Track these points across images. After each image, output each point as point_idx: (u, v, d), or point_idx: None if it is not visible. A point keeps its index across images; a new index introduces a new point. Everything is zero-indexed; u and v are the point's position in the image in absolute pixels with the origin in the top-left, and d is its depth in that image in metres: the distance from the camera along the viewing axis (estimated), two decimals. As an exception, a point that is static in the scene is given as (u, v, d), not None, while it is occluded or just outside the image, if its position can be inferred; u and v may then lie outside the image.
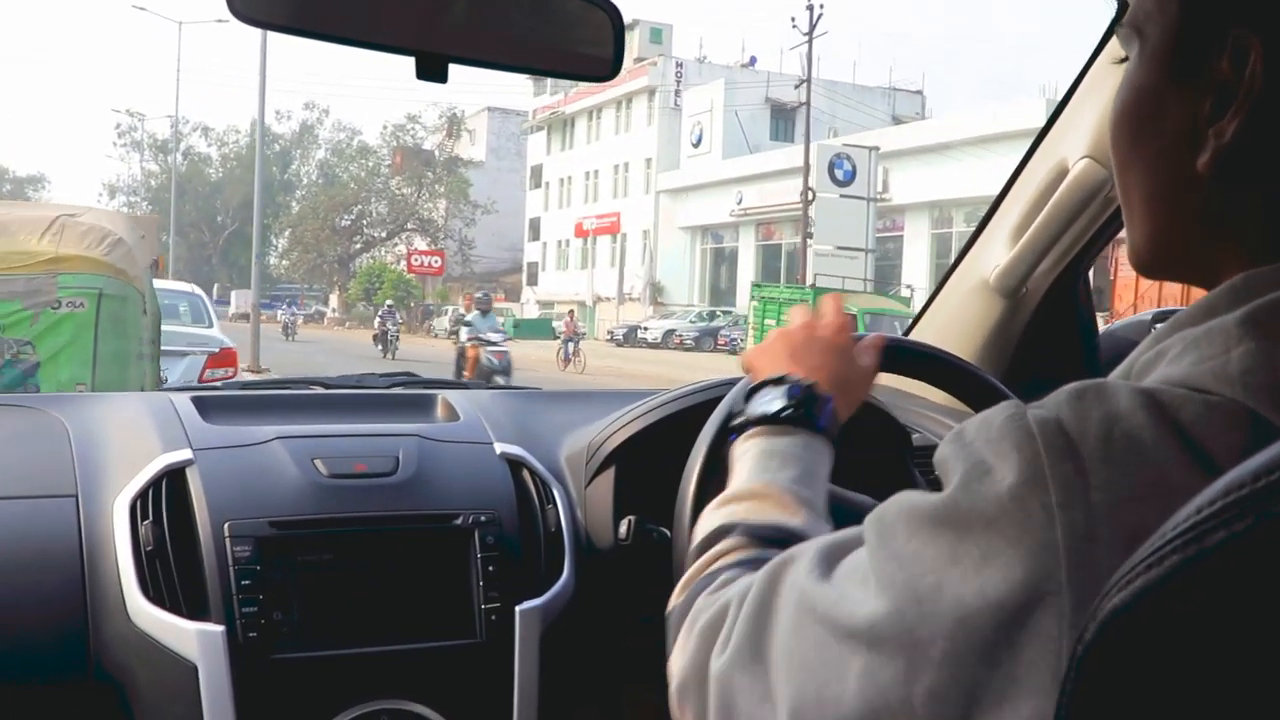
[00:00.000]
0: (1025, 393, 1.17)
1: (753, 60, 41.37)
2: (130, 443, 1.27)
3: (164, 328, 4.94)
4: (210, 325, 7.27)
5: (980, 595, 0.48)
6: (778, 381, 0.80)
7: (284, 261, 46.95)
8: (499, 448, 1.35)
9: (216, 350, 6.80)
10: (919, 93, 41.61)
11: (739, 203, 33.80)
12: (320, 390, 1.62)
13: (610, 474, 1.31)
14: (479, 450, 1.34)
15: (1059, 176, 1.41)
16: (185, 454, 1.22)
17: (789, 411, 0.76)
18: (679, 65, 41.44)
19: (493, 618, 1.23)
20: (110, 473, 1.23)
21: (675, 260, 38.71)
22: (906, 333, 1.67)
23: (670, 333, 30.01)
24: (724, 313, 30.88)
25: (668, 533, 1.05)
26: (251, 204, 56.55)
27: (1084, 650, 0.43)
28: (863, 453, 1.35)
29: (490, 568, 1.23)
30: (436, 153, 45.23)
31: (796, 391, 0.78)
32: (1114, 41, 1.41)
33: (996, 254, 1.52)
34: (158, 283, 5.80)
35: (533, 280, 49.47)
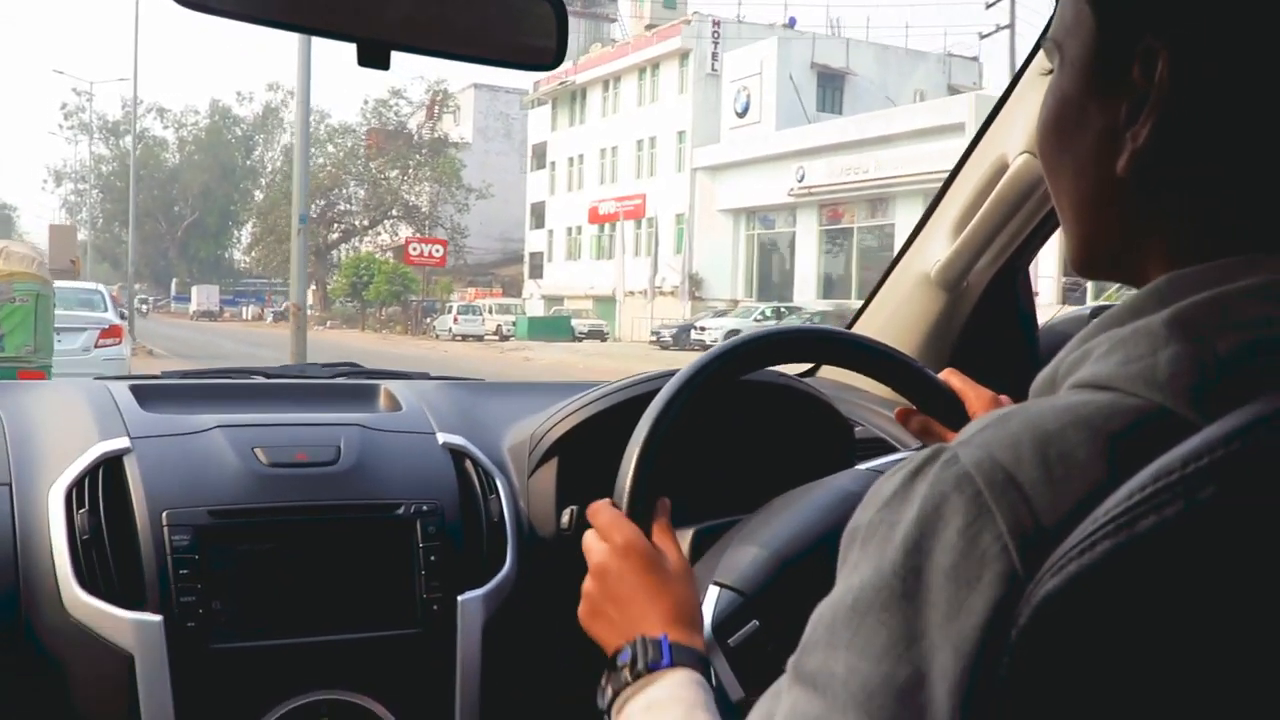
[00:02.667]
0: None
1: (792, 21, 39.70)
2: (66, 430, 1.35)
3: (72, 312, 9.89)
4: (106, 310, 11.70)
5: (956, 653, 0.52)
6: (613, 658, 0.87)
7: (251, 254, 45.44)
8: (441, 438, 1.46)
9: (107, 326, 11.29)
10: (975, 59, 41.10)
11: (800, 180, 31.61)
12: (261, 379, 1.73)
13: (553, 464, 1.42)
14: (421, 440, 1.45)
15: (999, 172, 1.53)
16: (123, 442, 1.30)
17: (635, 674, 0.82)
18: (716, 25, 38.57)
19: (434, 607, 1.32)
20: (46, 461, 1.30)
21: (715, 248, 36.09)
22: (849, 326, 1.79)
23: (734, 334, 28.81)
24: (788, 309, 28.35)
25: None
26: (212, 192, 56.97)
27: (1019, 634, 0.48)
28: (806, 446, 1.44)
29: (432, 557, 1.33)
30: (417, 133, 43.39)
31: (626, 655, 0.84)
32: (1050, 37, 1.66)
33: (938, 248, 1.64)
34: (71, 283, 10.61)
35: (536, 272, 47.00)
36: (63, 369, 10.04)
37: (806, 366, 1.83)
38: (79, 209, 59.51)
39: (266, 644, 1.26)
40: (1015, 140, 1.52)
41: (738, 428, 1.46)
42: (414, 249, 39.60)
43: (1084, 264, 0.69)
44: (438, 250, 39.78)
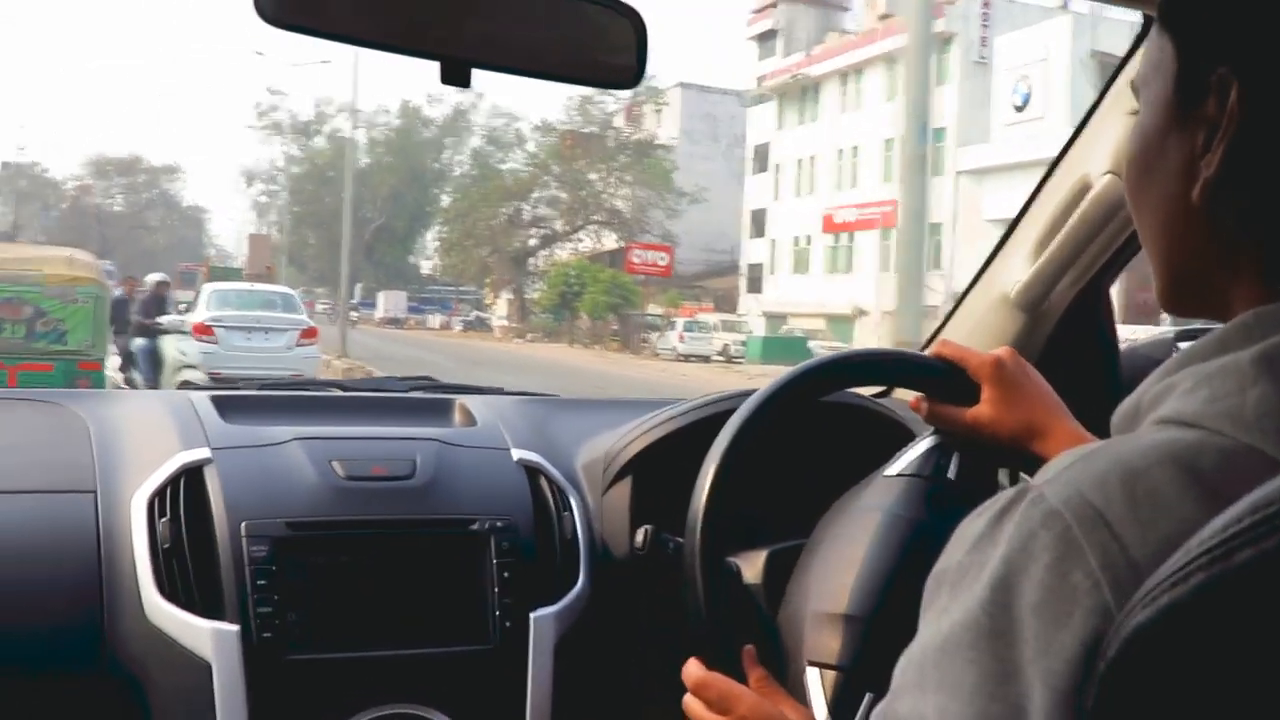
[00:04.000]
0: None
1: (1066, 1, 34.34)
2: (149, 440, 1.37)
3: (269, 313, 13.60)
4: (300, 312, 14.45)
5: (1049, 689, 0.53)
6: None
7: (447, 258, 44.47)
8: (516, 454, 1.46)
9: (305, 328, 13.75)
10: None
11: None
12: (339, 392, 1.78)
13: (627, 483, 1.43)
14: (496, 456, 1.46)
15: (1082, 192, 1.50)
16: (204, 452, 1.33)
17: None
18: (986, 5, 34.56)
19: (507, 624, 1.32)
20: (129, 470, 1.33)
21: (979, 263, 35.23)
22: (924, 347, 1.72)
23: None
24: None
25: (683, 542, 1.15)
26: (401, 195, 60.06)
27: (1107, 666, 0.49)
28: (876, 467, 1.36)
29: (505, 574, 1.33)
30: (611, 137, 41.31)
31: None
32: (1136, 57, 1.43)
33: (1018, 269, 1.61)
34: (272, 288, 14.82)
35: (755, 286, 44.16)
36: (268, 365, 12.17)
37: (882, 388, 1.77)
38: (268, 210, 59.12)
39: (340, 656, 1.28)
40: (1098, 160, 1.49)
41: (814, 448, 1.43)
42: (636, 256, 38.43)
43: (1171, 300, 0.71)
44: (662, 258, 38.77)
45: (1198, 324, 1.75)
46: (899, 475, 1.16)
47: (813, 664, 1.07)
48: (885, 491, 1.15)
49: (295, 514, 1.30)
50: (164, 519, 1.28)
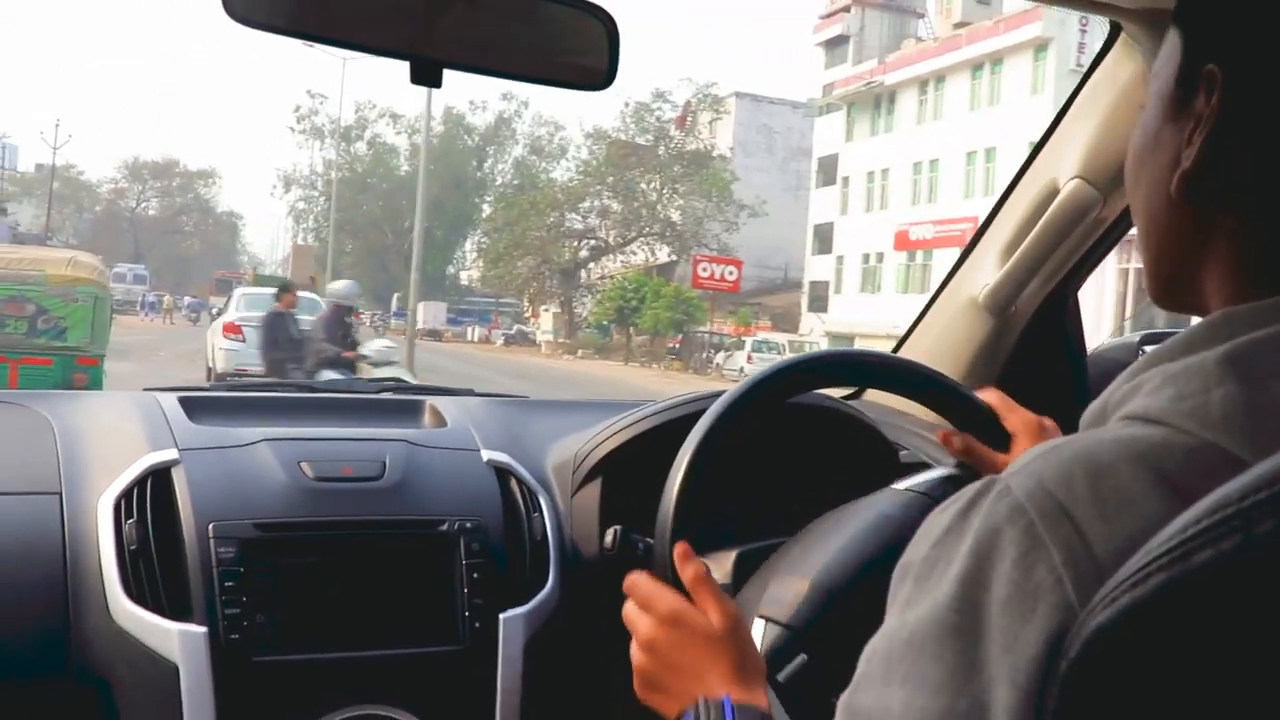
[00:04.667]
0: None
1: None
2: (116, 441, 1.35)
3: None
4: None
5: (1013, 685, 0.54)
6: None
7: (493, 269, 41.81)
8: (486, 455, 1.45)
9: None
10: None
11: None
12: (308, 393, 1.77)
13: (597, 484, 1.42)
14: (466, 457, 1.45)
15: (1049, 196, 1.52)
16: (171, 454, 1.31)
17: None
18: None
19: (476, 624, 1.32)
20: (95, 471, 1.31)
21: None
22: (896, 349, 1.78)
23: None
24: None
25: (653, 543, 1.16)
26: (443, 204, 59.78)
27: (1068, 666, 0.50)
28: (849, 470, 1.40)
29: (475, 574, 1.33)
30: (665, 146, 39.64)
31: None
32: (1105, 64, 1.46)
33: (986, 272, 1.62)
34: (308, 294, 13.36)
35: (819, 305, 41.73)
36: None
37: (851, 390, 1.80)
38: (306, 216, 57.21)
39: (309, 657, 1.27)
40: (1067, 165, 1.50)
41: (783, 450, 1.42)
42: (704, 269, 35.42)
43: (1158, 294, 0.71)
44: (731, 272, 35.43)
45: (1161, 328, 1.80)
46: (907, 490, 1.17)
47: (762, 617, 1.08)
48: (888, 499, 1.16)
49: (264, 515, 1.29)
50: (131, 520, 1.25)
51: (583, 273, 42.22)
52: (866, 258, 40.40)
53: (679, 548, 1.01)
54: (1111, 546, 0.54)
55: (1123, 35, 1.40)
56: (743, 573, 1.21)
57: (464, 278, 60.79)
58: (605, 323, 38.46)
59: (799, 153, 46.77)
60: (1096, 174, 1.47)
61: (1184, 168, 0.63)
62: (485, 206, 52.99)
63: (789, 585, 1.11)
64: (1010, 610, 0.55)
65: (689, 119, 40.06)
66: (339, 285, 10.73)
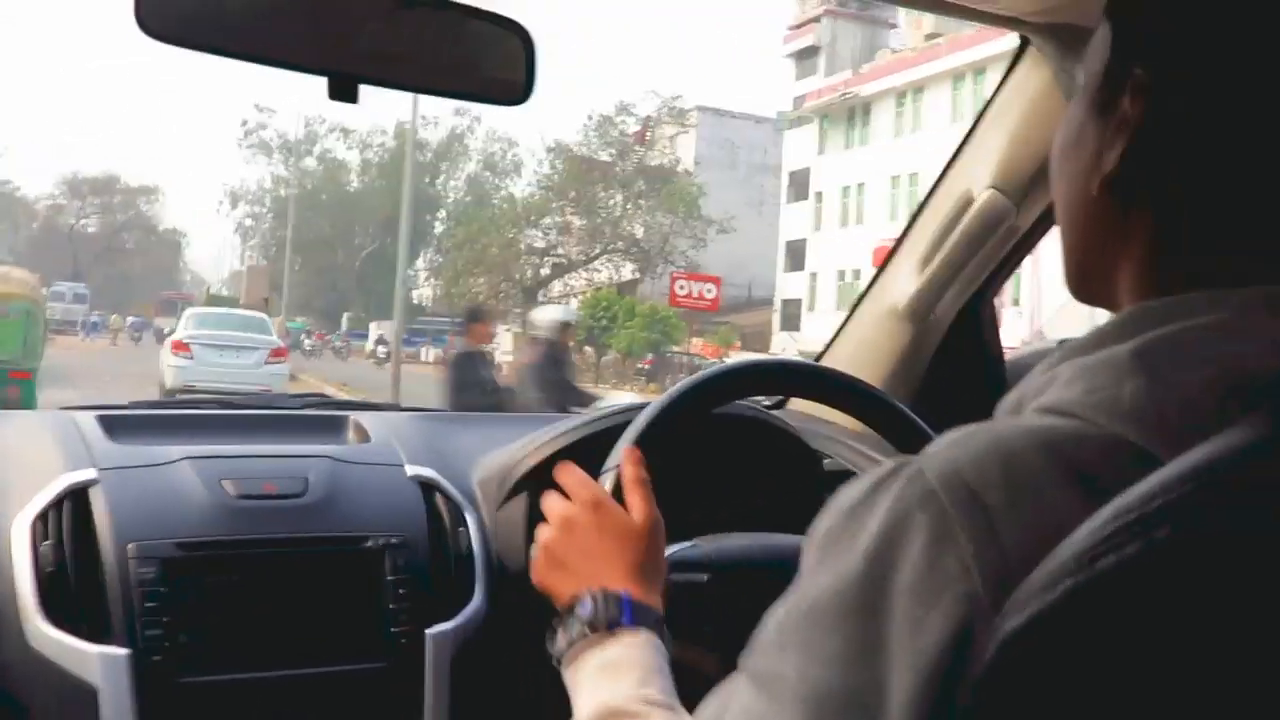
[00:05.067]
0: (931, 416, 1.12)
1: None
2: (32, 461, 1.35)
3: (245, 333, 15.84)
4: (270, 334, 16.59)
5: (913, 670, 0.55)
6: (570, 607, 0.95)
7: (454, 286, 41.33)
8: (410, 470, 1.47)
9: (275, 348, 15.74)
10: None
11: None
12: (230, 410, 1.77)
13: (523, 498, 1.44)
14: (390, 472, 1.47)
15: (965, 206, 1.58)
16: (89, 473, 1.31)
17: (592, 629, 0.92)
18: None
19: (403, 641, 1.33)
20: (10, 492, 1.30)
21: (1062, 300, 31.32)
22: (818, 358, 1.84)
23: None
24: None
25: None
26: (395, 221, 57.65)
27: (982, 671, 0.51)
28: (774, 479, 1.45)
29: (400, 590, 1.34)
30: (627, 162, 38.85)
31: (587, 608, 0.93)
32: (1015, 75, 1.52)
33: (905, 282, 1.68)
34: (238, 310, 18.58)
35: (791, 323, 41.43)
36: (240, 380, 13.60)
37: (775, 400, 1.84)
38: (254, 233, 56.72)
39: (234, 677, 1.27)
40: (980, 175, 1.56)
41: (708, 458, 1.46)
42: (681, 287, 34.32)
43: (1073, 284, 0.73)
44: (710, 290, 34.35)
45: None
46: None
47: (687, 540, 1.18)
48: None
49: (186, 534, 1.29)
50: (47, 542, 1.26)
51: (542, 292, 40.46)
52: (843, 274, 39.65)
53: (630, 452, 1.08)
54: (1019, 537, 0.55)
55: (1030, 47, 1.46)
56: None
57: (414, 296, 60.33)
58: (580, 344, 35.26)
59: (762, 168, 46.35)
60: (1009, 184, 1.53)
61: (1105, 169, 0.66)
62: (438, 224, 52.60)
63: (728, 537, 1.25)
64: (916, 595, 0.56)
65: (649, 133, 39.11)
66: (550, 312, 8.31)
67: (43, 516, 1.28)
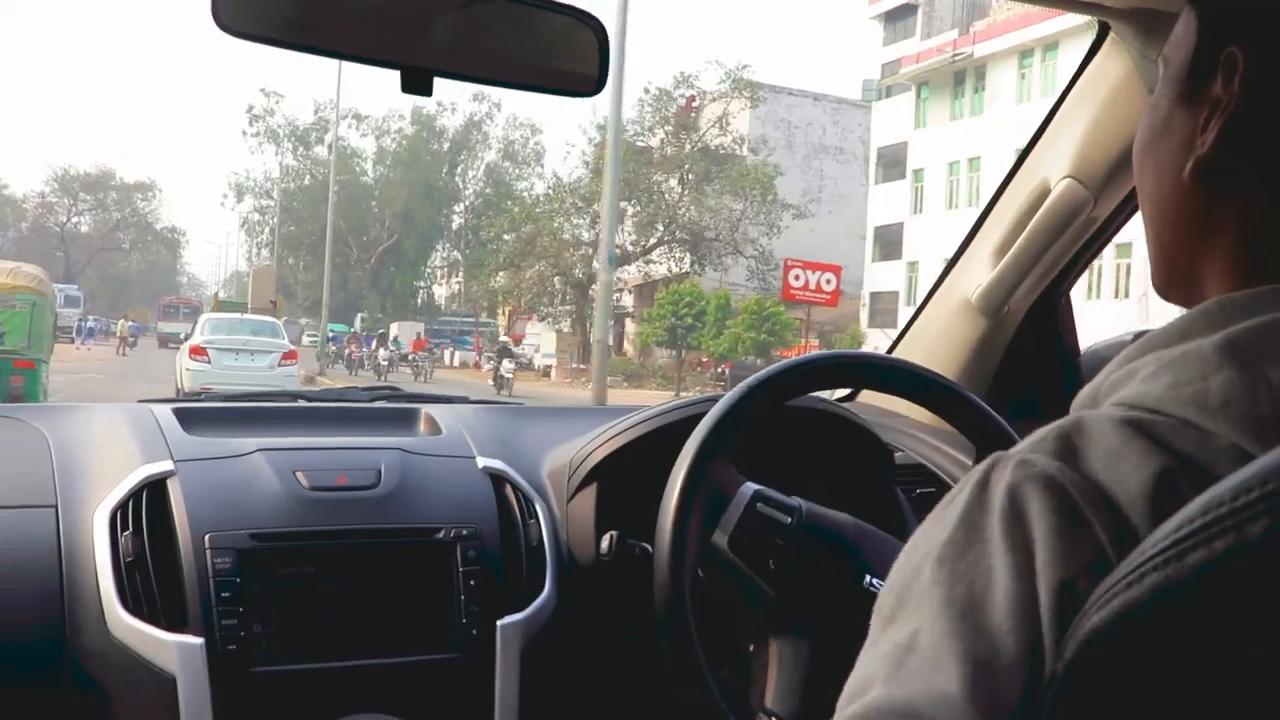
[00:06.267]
0: (1007, 411, 1.28)
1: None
2: (111, 453, 1.47)
3: (259, 337, 18.31)
4: (282, 338, 18.93)
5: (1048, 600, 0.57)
6: None
7: (501, 279, 39.23)
8: (481, 462, 1.58)
9: (287, 350, 18.07)
10: None
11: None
12: (303, 403, 1.91)
13: (593, 489, 1.55)
14: (461, 464, 1.58)
15: (1041, 197, 1.67)
16: (166, 465, 1.43)
17: None
18: None
19: (474, 632, 1.44)
20: (91, 483, 1.43)
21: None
22: (890, 351, 1.95)
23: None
24: None
25: (650, 548, 1.30)
26: (413, 214, 57.55)
27: (1065, 667, 0.53)
28: (846, 472, 1.56)
29: (471, 582, 1.45)
30: (659, 149, 37.26)
31: None
32: (1095, 63, 1.60)
33: (979, 273, 1.78)
34: (253, 316, 20.72)
35: (885, 319, 38.71)
36: (255, 381, 15.22)
37: (846, 392, 1.98)
38: (261, 229, 57.06)
39: (307, 667, 1.38)
40: (1057, 165, 1.65)
41: (780, 452, 1.56)
42: (796, 277, 31.32)
43: (1160, 282, 0.76)
44: (829, 280, 31.75)
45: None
46: None
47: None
48: None
49: (259, 525, 1.41)
50: (127, 532, 1.37)
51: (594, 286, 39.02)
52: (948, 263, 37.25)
53: None
54: (1143, 527, 0.58)
55: (1111, 35, 1.56)
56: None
57: (430, 295, 59.74)
58: (658, 343, 34.31)
59: (820, 150, 44.30)
60: (1087, 174, 1.61)
61: (1201, 153, 0.68)
62: (455, 218, 52.42)
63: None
64: (1054, 549, 0.59)
65: (694, 110, 37.60)
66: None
67: (122, 507, 1.40)
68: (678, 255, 38.08)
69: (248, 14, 1.30)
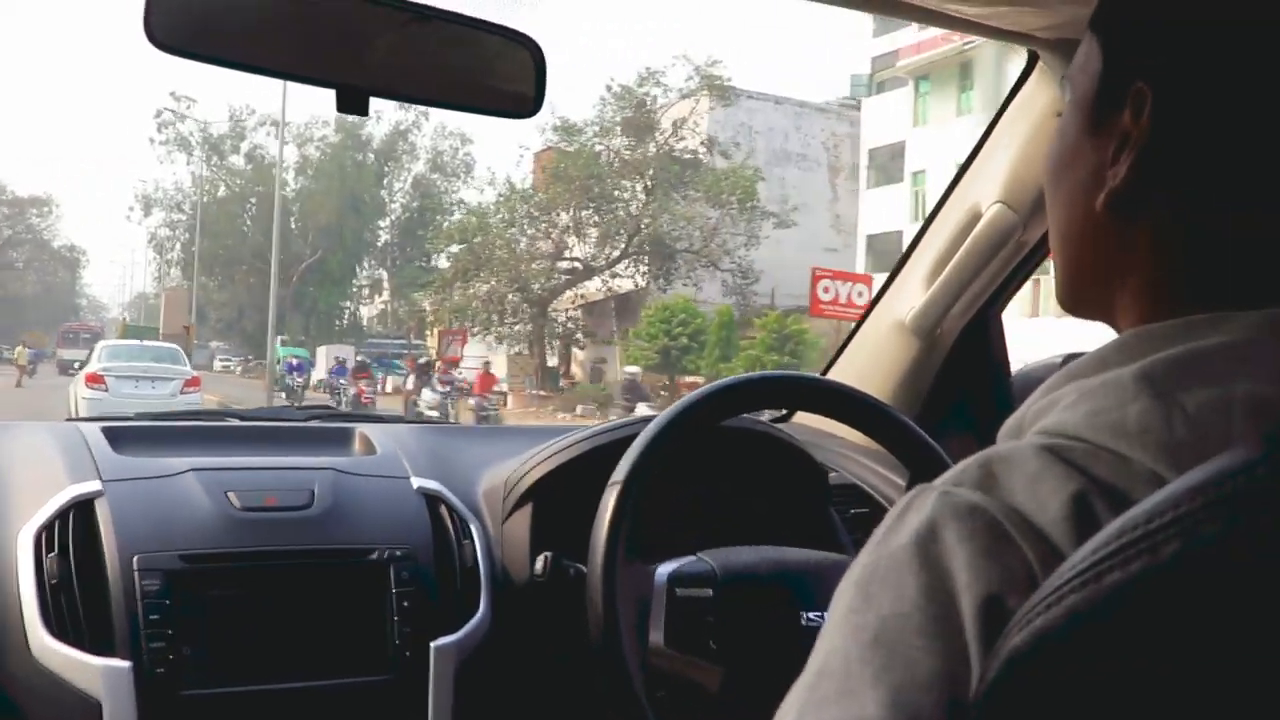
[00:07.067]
0: (937, 431, 1.43)
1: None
2: (37, 473, 1.52)
3: (159, 364, 18.82)
4: (184, 365, 19.72)
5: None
6: None
7: (445, 297, 37.00)
8: (416, 482, 1.66)
9: (190, 378, 18.68)
10: None
11: None
12: (235, 423, 1.96)
13: (528, 510, 1.63)
14: (395, 485, 1.66)
15: (972, 221, 1.80)
16: (94, 485, 1.48)
17: None
18: None
19: (407, 654, 1.50)
20: (15, 504, 1.47)
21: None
22: (824, 372, 2.05)
23: None
24: None
25: (584, 569, 1.38)
26: (339, 228, 56.03)
27: (988, 687, 0.57)
28: (780, 492, 1.66)
29: (405, 603, 1.51)
30: (619, 154, 35.09)
31: None
32: (1025, 89, 1.73)
33: (913, 296, 1.90)
34: (151, 342, 21.52)
35: None
36: (156, 409, 14.93)
37: (781, 413, 2.06)
38: (171, 245, 54.88)
39: (237, 690, 1.43)
40: (988, 190, 1.77)
41: (713, 472, 1.66)
42: (825, 290, 29.33)
43: (1068, 300, 0.81)
44: (860, 293, 29.17)
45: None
46: None
47: (700, 555, 1.45)
48: None
49: (190, 546, 1.46)
50: (52, 554, 1.41)
51: (554, 304, 38.36)
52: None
53: None
54: (1045, 556, 0.62)
55: (1039, 63, 1.68)
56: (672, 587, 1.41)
57: (357, 316, 58.68)
58: (641, 363, 31.79)
59: (782, 157, 42.80)
60: (1017, 199, 1.74)
61: (1113, 185, 0.72)
62: (382, 233, 51.80)
63: (744, 551, 1.49)
64: (977, 570, 0.63)
65: (641, 110, 35.94)
66: None
67: (48, 528, 1.44)
68: (643, 269, 36.55)
69: (181, 31, 1.35)
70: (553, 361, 37.67)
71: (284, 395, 29.43)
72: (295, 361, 32.88)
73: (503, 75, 1.49)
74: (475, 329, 38.09)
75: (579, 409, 29.95)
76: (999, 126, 1.81)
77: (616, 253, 35.86)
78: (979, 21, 1.56)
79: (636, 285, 36.49)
